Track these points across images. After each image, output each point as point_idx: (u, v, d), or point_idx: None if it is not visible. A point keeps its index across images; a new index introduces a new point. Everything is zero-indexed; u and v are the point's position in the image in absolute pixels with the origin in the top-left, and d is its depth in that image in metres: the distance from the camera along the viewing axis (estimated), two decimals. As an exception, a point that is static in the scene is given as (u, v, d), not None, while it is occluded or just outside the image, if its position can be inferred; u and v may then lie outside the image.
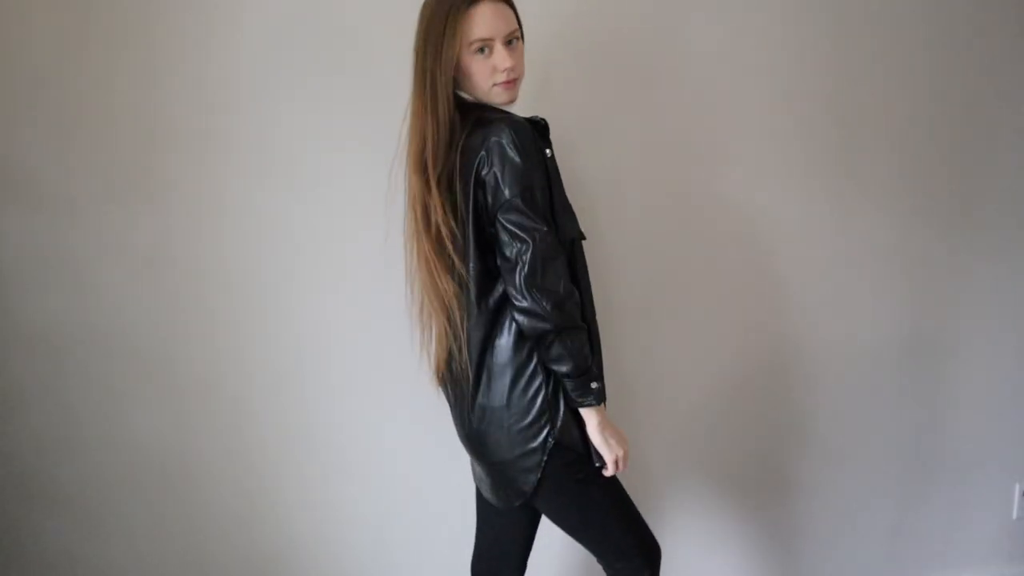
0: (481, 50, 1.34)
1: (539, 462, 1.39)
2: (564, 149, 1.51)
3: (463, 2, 1.32)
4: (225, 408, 1.82)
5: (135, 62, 1.68)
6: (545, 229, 1.30)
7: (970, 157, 2.13)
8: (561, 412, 1.39)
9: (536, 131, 1.36)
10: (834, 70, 2.00)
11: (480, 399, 1.43)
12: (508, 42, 1.36)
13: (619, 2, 1.85)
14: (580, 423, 1.40)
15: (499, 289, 1.38)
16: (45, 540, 1.81)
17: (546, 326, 1.31)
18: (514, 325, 1.37)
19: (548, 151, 1.38)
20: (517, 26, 1.39)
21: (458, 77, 1.38)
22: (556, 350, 1.32)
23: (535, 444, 1.39)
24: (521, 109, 1.46)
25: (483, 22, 1.32)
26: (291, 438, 1.86)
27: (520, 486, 1.43)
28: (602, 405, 1.38)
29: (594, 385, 1.36)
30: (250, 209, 1.76)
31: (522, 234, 1.29)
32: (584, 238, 1.44)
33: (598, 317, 1.50)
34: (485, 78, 1.36)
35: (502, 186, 1.30)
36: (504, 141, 1.29)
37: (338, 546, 1.92)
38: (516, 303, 1.32)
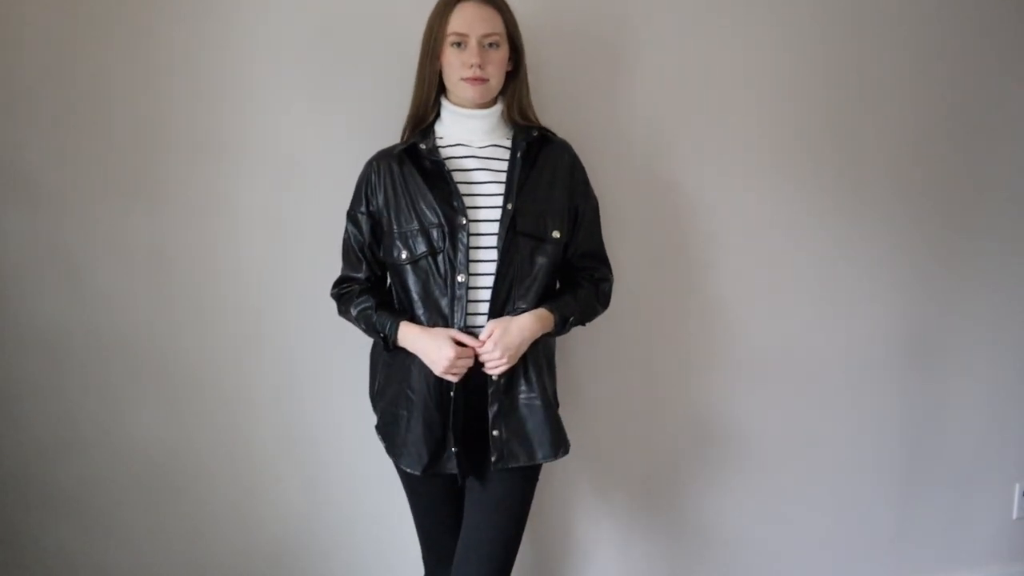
0: (458, 44, 1.47)
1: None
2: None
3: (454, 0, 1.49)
4: (224, 408, 1.82)
5: (134, 62, 1.68)
6: (345, 233, 1.60)
7: (969, 158, 2.14)
8: (382, 402, 1.59)
9: (401, 155, 1.51)
10: (831, 71, 2.00)
11: None
12: (488, 45, 1.47)
13: (617, 3, 1.85)
14: (393, 419, 1.54)
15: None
16: (45, 540, 1.81)
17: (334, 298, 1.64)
18: None
19: (391, 178, 1.52)
20: (499, 34, 1.49)
21: (443, 72, 1.52)
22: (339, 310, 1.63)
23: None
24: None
25: (462, 17, 1.46)
26: (290, 438, 1.86)
27: None
28: (405, 333, 1.49)
29: (379, 332, 1.52)
30: (250, 209, 1.76)
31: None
32: (438, 252, 1.47)
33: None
34: (455, 70, 1.48)
35: None
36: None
37: (338, 545, 1.92)
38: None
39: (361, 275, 1.59)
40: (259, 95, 1.73)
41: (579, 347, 1.88)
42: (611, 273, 1.67)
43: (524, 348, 1.47)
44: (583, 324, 1.62)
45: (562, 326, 1.54)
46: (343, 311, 1.60)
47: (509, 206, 1.47)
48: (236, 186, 1.75)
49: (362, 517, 1.92)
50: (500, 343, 1.43)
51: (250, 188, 1.76)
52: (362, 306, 1.55)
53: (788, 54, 1.97)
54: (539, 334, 1.49)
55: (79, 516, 1.81)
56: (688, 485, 2.09)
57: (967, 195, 2.15)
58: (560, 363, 1.67)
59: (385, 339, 1.52)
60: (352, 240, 1.58)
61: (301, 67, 1.74)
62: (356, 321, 1.57)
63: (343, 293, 1.61)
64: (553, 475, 1.91)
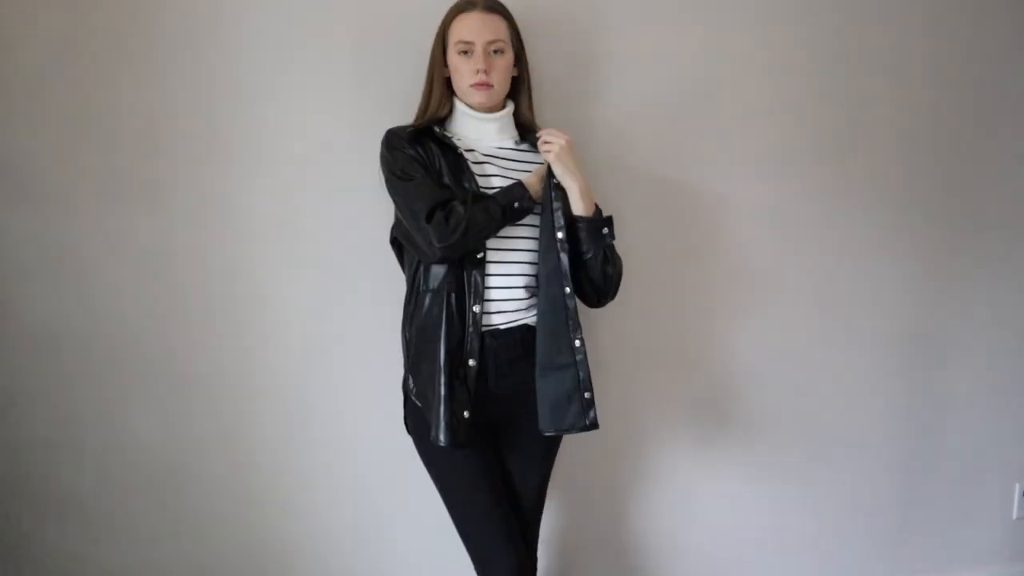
0: (465, 52, 1.53)
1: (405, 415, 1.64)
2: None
3: (460, 9, 1.56)
4: (226, 408, 1.82)
5: (136, 62, 1.68)
6: (406, 184, 1.48)
7: (971, 157, 2.14)
8: (414, 379, 1.57)
9: (418, 135, 1.53)
10: (833, 69, 2.01)
11: None
12: (494, 52, 1.54)
13: (612, 2, 1.86)
14: (423, 409, 1.54)
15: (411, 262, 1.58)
16: (46, 540, 1.81)
17: (442, 240, 1.44)
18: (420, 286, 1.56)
19: (418, 149, 1.52)
20: (504, 40, 1.55)
21: (452, 78, 1.58)
22: (464, 235, 1.45)
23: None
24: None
25: (467, 27, 1.53)
26: (293, 438, 1.86)
27: None
28: (529, 183, 1.53)
29: (513, 204, 1.50)
30: (251, 209, 1.76)
31: (395, 198, 1.51)
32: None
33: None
34: (464, 77, 1.54)
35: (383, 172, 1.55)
36: (382, 140, 1.55)
37: (341, 546, 1.92)
38: (425, 243, 1.46)
39: (448, 196, 1.47)
40: (260, 95, 1.73)
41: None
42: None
43: (574, 170, 1.52)
44: (609, 260, 1.58)
45: (599, 214, 1.56)
46: (455, 225, 1.43)
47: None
48: (237, 186, 1.75)
49: (365, 517, 1.92)
50: (564, 137, 1.52)
51: (251, 188, 1.75)
52: (480, 202, 1.47)
53: (788, 54, 1.97)
54: (584, 185, 1.53)
55: (79, 516, 1.81)
56: (687, 485, 2.09)
57: (968, 195, 2.15)
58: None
59: (521, 205, 1.50)
60: (422, 179, 1.48)
61: (302, 67, 1.73)
62: (485, 220, 1.46)
63: (448, 215, 1.44)
64: (558, 468, 1.91)
